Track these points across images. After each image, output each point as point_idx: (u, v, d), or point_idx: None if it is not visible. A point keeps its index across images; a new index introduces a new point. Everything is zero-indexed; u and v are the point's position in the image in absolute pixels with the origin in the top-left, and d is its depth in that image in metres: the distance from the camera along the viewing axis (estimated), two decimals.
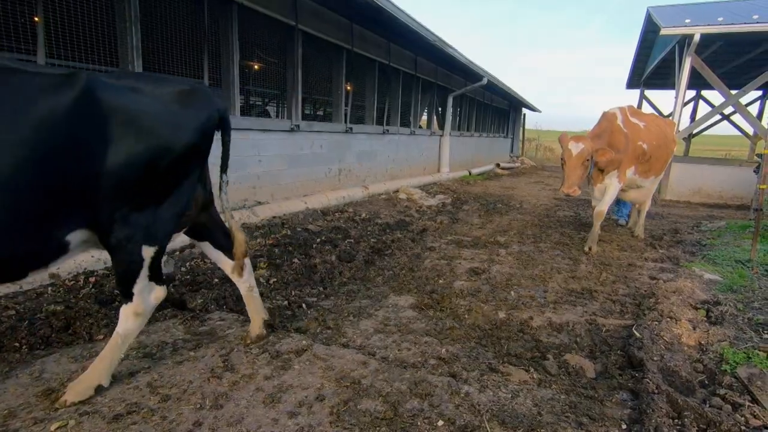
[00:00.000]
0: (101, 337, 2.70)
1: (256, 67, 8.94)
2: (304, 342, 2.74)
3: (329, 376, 2.39)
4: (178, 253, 4.32)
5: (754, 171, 8.65)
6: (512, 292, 3.83)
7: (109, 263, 3.74)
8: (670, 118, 11.19)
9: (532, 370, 2.61)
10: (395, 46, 9.29)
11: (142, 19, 4.29)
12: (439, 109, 13.23)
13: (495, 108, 19.84)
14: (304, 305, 3.44)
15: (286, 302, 3.46)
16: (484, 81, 12.13)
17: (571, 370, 2.62)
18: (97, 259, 3.67)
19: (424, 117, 12.69)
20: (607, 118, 5.29)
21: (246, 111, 10.42)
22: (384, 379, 2.37)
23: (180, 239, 4.45)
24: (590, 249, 5.14)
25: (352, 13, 7.25)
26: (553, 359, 2.74)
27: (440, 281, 4.08)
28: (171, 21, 4.90)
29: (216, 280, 3.80)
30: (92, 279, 3.48)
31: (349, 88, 8.15)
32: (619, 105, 5.54)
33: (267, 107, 15.28)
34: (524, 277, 4.22)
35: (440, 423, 2.04)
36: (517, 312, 3.41)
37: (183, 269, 3.98)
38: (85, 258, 3.61)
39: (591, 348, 2.92)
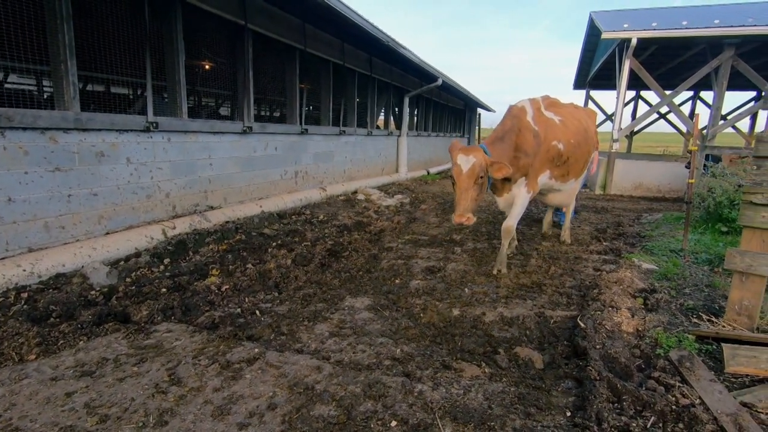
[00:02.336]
0: (33, 357, 2.52)
1: (207, 67, 8.64)
2: (256, 350, 2.67)
3: (282, 383, 2.34)
4: (122, 262, 4.10)
5: (686, 166, 9.32)
6: (466, 289, 3.91)
7: (44, 277, 3.51)
8: (613, 116, 11.84)
9: (483, 364, 2.68)
10: (349, 47, 9.26)
11: (76, 15, 4.04)
12: (396, 109, 13.32)
13: (451, 108, 20.22)
14: (257, 312, 3.36)
15: (239, 310, 3.37)
16: (439, 82, 12.33)
17: (520, 362, 2.72)
18: (29, 273, 3.42)
19: (382, 117, 12.74)
20: (513, 114, 4.32)
21: (196, 112, 10.06)
22: (338, 383, 2.35)
23: (125, 248, 4.25)
24: (499, 272, 4.32)
25: (304, 12, 7.17)
26: (504, 353, 2.82)
27: (397, 281, 4.11)
28: (108, 18, 4.64)
29: (164, 289, 3.64)
30: (24, 294, 3.23)
31: (303, 88, 8.04)
32: (531, 96, 4.75)
33: (220, 109, 14.83)
34: (478, 274, 4.32)
35: (393, 423, 2.05)
36: (471, 308, 3.49)
37: (127, 280, 3.78)
38: (15, 272, 3.35)
39: (540, 340, 3.03)
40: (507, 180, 4.27)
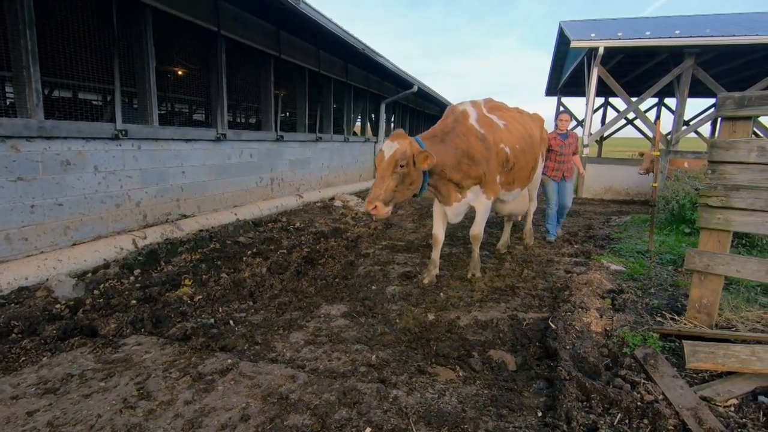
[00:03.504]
0: None
1: (179, 73, 8.50)
2: (229, 361, 2.63)
3: (255, 394, 2.31)
4: (90, 274, 3.98)
5: (642, 173, 9.68)
6: (441, 294, 3.95)
7: (5, 291, 3.38)
8: (583, 122, 12.19)
9: (458, 368, 2.71)
10: (325, 54, 9.28)
11: (39, 21, 3.93)
12: (373, 116, 13.39)
13: (427, 114, 20.46)
14: (231, 322, 3.31)
15: (212, 320, 3.32)
16: (415, 88, 12.46)
17: (494, 364, 2.76)
18: None
19: (358, 124, 12.79)
20: (455, 116, 4.08)
21: (169, 120, 9.87)
22: (313, 392, 2.34)
23: (92, 259, 4.13)
24: (473, 275, 4.38)
25: (279, 20, 7.15)
26: (478, 356, 2.87)
27: (373, 287, 4.12)
28: (74, 24, 4.51)
29: (134, 301, 3.55)
30: None
31: (278, 95, 8.00)
32: (473, 99, 4.49)
33: (194, 116, 14.59)
34: (453, 278, 4.37)
35: (368, 430, 2.05)
36: (446, 313, 3.53)
37: (95, 292, 3.67)
38: None
39: (513, 342, 3.09)
40: (457, 186, 4.06)
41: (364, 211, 3.50)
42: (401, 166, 3.50)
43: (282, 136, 7.92)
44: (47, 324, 3.05)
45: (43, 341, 2.80)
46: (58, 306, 3.34)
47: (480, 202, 4.23)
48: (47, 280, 3.64)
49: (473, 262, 4.48)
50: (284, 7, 5.92)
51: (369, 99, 12.50)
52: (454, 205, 4.16)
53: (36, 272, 3.66)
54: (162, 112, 10.55)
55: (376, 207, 3.43)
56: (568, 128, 5.92)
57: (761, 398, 2.23)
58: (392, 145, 3.52)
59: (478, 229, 4.37)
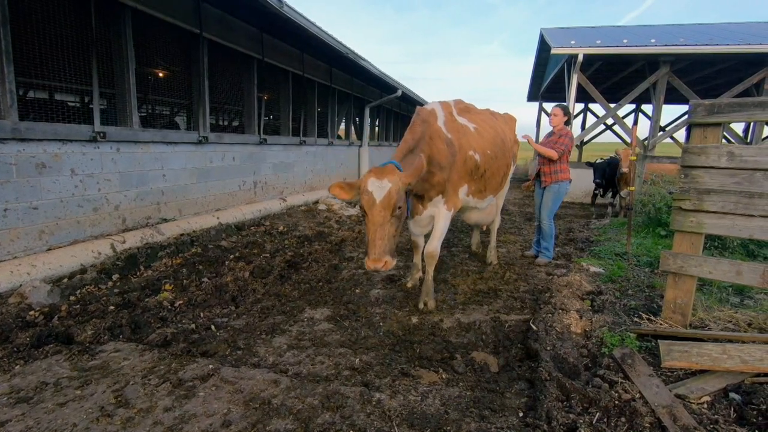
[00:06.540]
0: None
1: (161, 75, 8.38)
2: (210, 366, 2.60)
3: (237, 399, 2.29)
4: (66, 280, 3.87)
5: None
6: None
7: None
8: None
9: (441, 370, 2.73)
10: (309, 57, 9.26)
11: (14, 20, 3.83)
12: (357, 119, 13.40)
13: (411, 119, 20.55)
14: (212, 327, 3.27)
15: (193, 325, 3.27)
16: (399, 93, 12.54)
17: (476, 366, 2.79)
18: None
19: (343, 127, 12.79)
20: (422, 118, 3.66)
21: (150, 122, 9.70)
22: (296, 396, 2.33)
23: (69, 264, 4.02)
24: (425, 305, 3.74)
25: (261, 22, 7.12)
26: (461, 358, 2.89)
27: (357, 291, 4.12)
28: (51, 24, 4.41)
29: (112, 307, 3.47)
30: None
31: (262, 98, 7.95)
32: (442, 99, 4.13)
33: (176, 118, 14.37)
34: (437, 281, 4.40)
35: None
36: (429, 316, 3.55)
37: (71, 298, 3.58)
38: None
39: (495, 344, 3.13)
40: (420, 197, 3.64)
41: (370, 269, 2.97)
42: (399, 207, 3.02)
43: (265, 140, 7.86)
44: (20, 331, 2.96)
45: (15, 349, 2.72)
46: (32, 312, 3.24)
47: (440, 211, 3.74)
48: (20, 285, 3.54)
49: (425, 287, 3.82)
50: (267, 9, 5.90)
51: (353, 103, 12.51)
52: (415, 218, 3.79)
53: (9, 278, 3.55)
54: (143, 114, 10.36)
55: (386, 263, 2.93)
56: (562, 124, 5.10)
57: (732, 395, 2.31)
58: (382, 185, 2.95)
59: (434, 245, 3.75)
